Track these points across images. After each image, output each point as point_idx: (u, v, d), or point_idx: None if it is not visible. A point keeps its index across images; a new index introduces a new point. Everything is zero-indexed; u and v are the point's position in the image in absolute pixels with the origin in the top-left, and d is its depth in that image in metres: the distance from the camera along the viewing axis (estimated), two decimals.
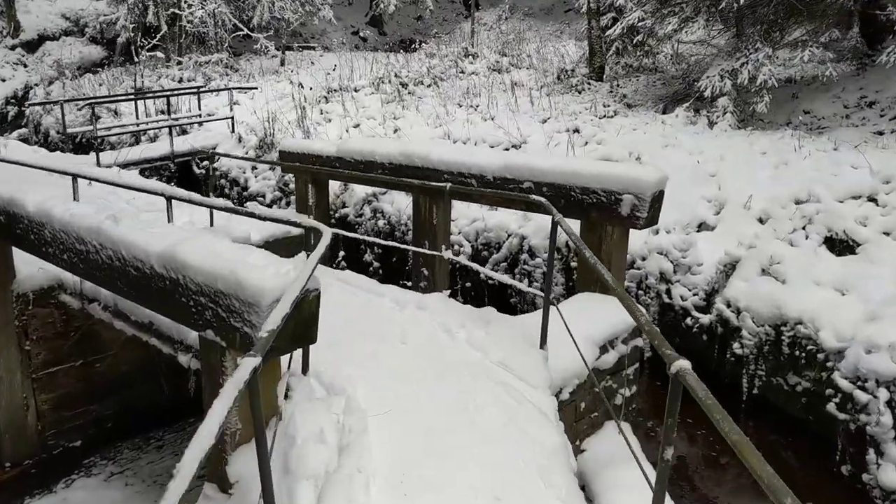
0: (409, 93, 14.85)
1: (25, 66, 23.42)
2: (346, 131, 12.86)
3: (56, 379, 6.84)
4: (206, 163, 12.95)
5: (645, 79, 14.41)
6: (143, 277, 4.19)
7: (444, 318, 5.23)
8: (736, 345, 6.63)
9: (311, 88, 16.67)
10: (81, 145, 16.09)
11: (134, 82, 15.60)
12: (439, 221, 6.71)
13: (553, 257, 4.60)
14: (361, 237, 6.80)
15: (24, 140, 18.82)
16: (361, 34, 25.42)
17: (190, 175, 13.22)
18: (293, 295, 3.32)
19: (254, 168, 12.42)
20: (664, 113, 11.75)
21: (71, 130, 13.06)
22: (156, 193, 5.61)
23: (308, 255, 3.94)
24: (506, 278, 5.28)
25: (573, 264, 8.21)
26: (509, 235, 8.79)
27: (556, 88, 14.46)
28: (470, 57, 17.33)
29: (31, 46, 23.90)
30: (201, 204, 5.16)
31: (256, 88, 14.76)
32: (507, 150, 10.88)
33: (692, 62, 13.87)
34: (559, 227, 4.43)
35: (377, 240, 6.63)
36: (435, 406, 4.04)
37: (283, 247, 7.88)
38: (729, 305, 6.75)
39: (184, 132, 14.07)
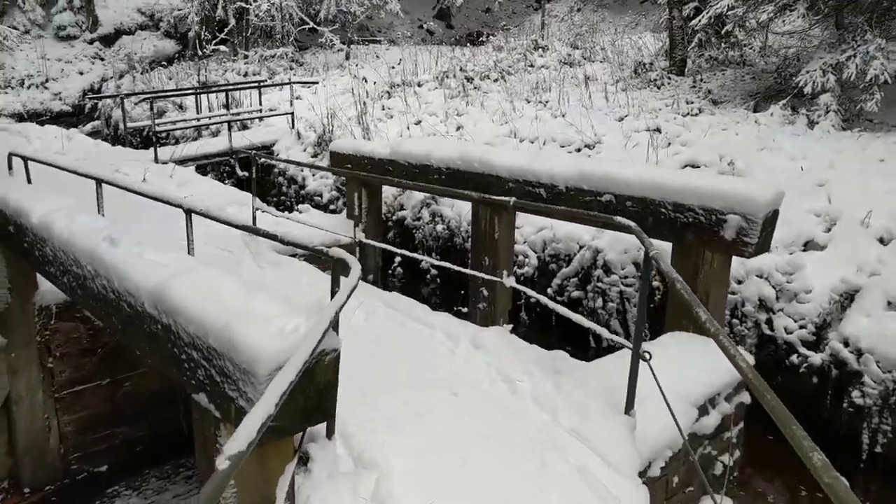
0: (475, 87, 13.83)
1: (102, 59, 23.45)
2: (407, 128, 11.95)
3: (80, 399, 6.16)
4: (261, 160, 12.27)
5: (731, 73, 12.99)
6: (136, 316, 3.35)
7: (504, 361, 4.23)
8: (855, 392, 5.40)
9: (374, 83, 15.84)
10: (148, 139, 15.70)
11: (197, 76, 15.08)
12: (501, 237, 5.70)
13: (645, 302, 3.54)
14: (410, 255, 5.82)
15: (96, 132, 18.69)
16: (428, 27, 24.49)
17: (249, 172, 12.57)
18: (299, 362, 2.40)
19: (312, 166, 11.65)
20: (755, 111, 10.38)
21: (131, 125, 12.58)
22: (173, 205, 4.78)
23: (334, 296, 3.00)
24: (582, 320, 4.21)
25: (655, 283, 7.09)
26: (581, 247, 7.70)
27: (633, 83, 13.20)
28: (540, 50, 16.17)
29: (108, 40, 23.93)
30: (220, 220, 4.29)
31: (317, 83, 14.01)
32: (579, 150, 9.76)
33: (787, 55, 12.38)
34: (649, 256, 3.38)
35: (429, 259, 5.65)
36: (490, 498, 3.05)
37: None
38: (847, 344, 5.51)
39: (244, 127, 13.43)
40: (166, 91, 14.38)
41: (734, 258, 4.91)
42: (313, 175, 11.51)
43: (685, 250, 4.72)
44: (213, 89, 13.84)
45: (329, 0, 19.94)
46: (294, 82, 13.03)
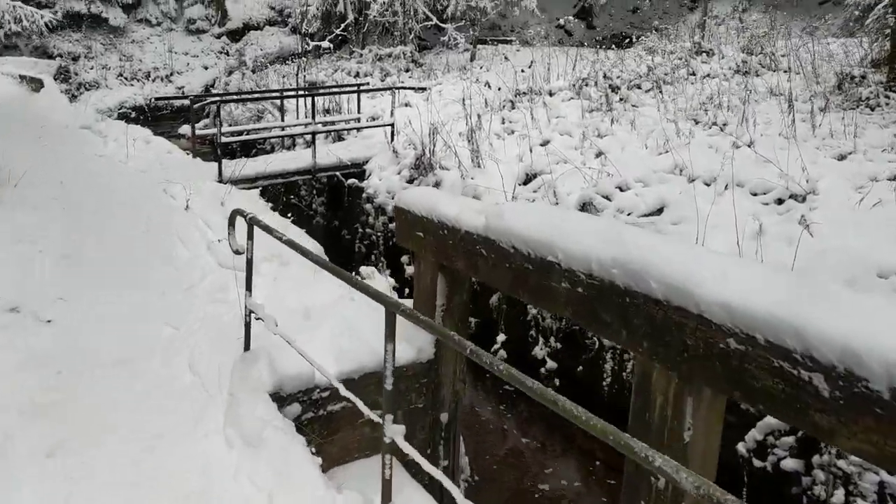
0: (621, 99, 10.47)
1: (228, 54, 21.87)
2: (530, 150, 8.85)
3: None
4: (352, 181, 9.59)
5: None
6: None
7: None
8: None
9: (498, 89, 12.84)
10: (246, 146, 13.38)
11: (296, 76, 12.63)
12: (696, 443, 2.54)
13: None
14: None
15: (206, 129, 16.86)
16: (567, 27, 21.10)
17: (339, 193, 9.93)
18: None
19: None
20: None
21: (200, 132, 10.25)
22: None
23: None
24: None
25: None
26: None
27: (835, 101, 9.40)
28: (703, 54, 12.51)
29: (236, 35, 22.33)
30: None
31: (425, 89, 11.11)
32: (780, 201, 6.29)
33: None
34: None
35: None
36: None
37: (376, 387, 4.08)
38: None
39: (340, 138, 10.83)
40: (239, 93, 12.11)
41: None
42: None
43: None
44: (289, 93, 11.33)
45: None
46: (397, 87, 10.21)
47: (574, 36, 20.93)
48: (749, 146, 7.51)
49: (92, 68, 19.85)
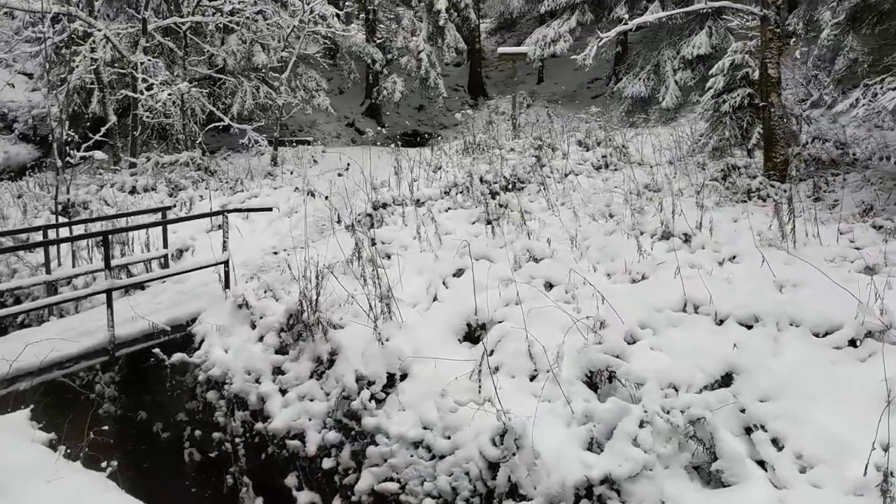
0: (500, 205, 8.42)
1: None
2: (444, 285, 6.25)
3: None
4: (177, 356, 6.00)
5: (855, 178, 8.48)
6: None
7: None
8: None
9: (325, 198, 10.05)
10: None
11: (55, 198, 8.51)
12: None
13: None
14: None
15: None
16: (357, 126, 19.08)
17: (156, 378, 6.22)
18: None
19: (279, 371, 5.57)
20: None
21: None
22: None
23: None
24: None
25: None
26: None
27: (723, 194, 8.39)
28: (550, 150, 11.09)
29: None
30: None
31: (270, 209, 7.91)
32: (853, 342, 4.44)
33: None
34: None
35: None
36: None
37: None
38: None
39: (140, 287, 7.14)
40: None
41: None
42: (283, 391, 5.40)
43: None
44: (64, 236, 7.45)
45: (244, 91, 14.14)
46: (233, 210, 6.96)
47: (365, 135, 18.95)
48: (733, 260, 5.77)
49: None
